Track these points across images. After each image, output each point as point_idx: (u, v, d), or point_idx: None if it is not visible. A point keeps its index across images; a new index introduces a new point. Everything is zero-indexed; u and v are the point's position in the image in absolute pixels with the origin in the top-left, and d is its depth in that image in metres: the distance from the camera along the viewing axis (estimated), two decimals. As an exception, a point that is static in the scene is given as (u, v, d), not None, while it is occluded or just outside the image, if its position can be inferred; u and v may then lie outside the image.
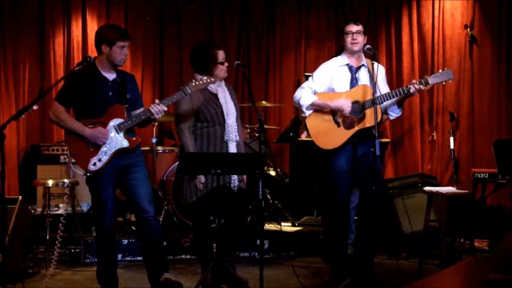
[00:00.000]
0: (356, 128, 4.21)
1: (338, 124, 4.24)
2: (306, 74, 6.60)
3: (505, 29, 6.11)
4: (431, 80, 4.14)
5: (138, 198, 4.13)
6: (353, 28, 4.26)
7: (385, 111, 4.36)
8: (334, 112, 4.26)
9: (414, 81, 4.16)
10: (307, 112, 4.33)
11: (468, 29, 6.25)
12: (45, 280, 4.55)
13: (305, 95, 4.32)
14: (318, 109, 4.30)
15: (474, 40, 6.24)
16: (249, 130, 6.57)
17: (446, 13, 6.45)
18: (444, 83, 4.21)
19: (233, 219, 4.55)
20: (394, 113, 4.36)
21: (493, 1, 6.16)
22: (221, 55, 4.43)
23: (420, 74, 6.39)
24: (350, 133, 4.22)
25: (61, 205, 5.89)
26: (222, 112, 4.41)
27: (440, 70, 4.19)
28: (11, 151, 6.40)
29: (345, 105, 4.18)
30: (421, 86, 4.11)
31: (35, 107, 3.96)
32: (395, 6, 6.91)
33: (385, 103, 4.26)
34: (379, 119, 4.19)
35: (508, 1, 6.09)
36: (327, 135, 4.26)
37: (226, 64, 4.45)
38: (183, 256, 5.50)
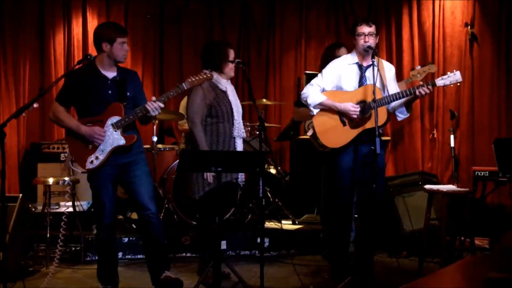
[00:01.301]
0: (362, 128, 4.20)
1: (344, 123, 4.24)
2: (307, 72, 6.60)
3: (505, 27, 6.10)
4: (439, 82, 4.11)
5: (139, 196, 4.14)
6: (366, 29, 4.23)
7: (393, 112, 4.33)
8: (341, 112, 4.25)
9: (421, 83, 4.14)
10: (314, 111, 4.33)
11: (469, 27, 6.25)
12: (46, 278, 4.55)
13: (313, 93, 4.31)
14: (325, 109, 4.30)
15: (475, 38, 6.24)
16: (249, 128, 6.57)
17: (447, 11, 6.45)
18: (452, 85, 4.16)
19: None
20: (402, 115, 4.33)
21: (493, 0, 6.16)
22: (232, 54, 4.55)
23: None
24: (355, 132, 4.21)
25: (61, 203, 5.89)
26: (231, 108, 4.53)
27: (448, 73, 4.15)
28: (12, 149, 6.40)
29: (352, 111, 4.18)
30: (429, 88, 4.08)
31: (35, 105, 3.96)
32: (395, 4, 6.90)
33: (393, 104, 4.24)
34: (385, 119, 4.20)
35: (508, -1, 6.10)
36: (333, 133, 4.26)
37: (234, 63, 4.54)
38: (183, 254, 5.50)
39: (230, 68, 4.55)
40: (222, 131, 4.49)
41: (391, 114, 4.40)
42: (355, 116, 4.18)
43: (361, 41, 4.25)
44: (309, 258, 5.41)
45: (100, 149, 4.06)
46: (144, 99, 4.28)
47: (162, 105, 4.06)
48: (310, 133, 4.44)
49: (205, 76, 4.18)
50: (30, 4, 6.77)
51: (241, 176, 4.58)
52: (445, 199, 4.90)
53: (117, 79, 4.15)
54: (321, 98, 4.29)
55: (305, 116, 4.97)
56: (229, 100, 4.53)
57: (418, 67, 4.13)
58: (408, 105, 4.27)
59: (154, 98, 4.06)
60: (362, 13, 6.99)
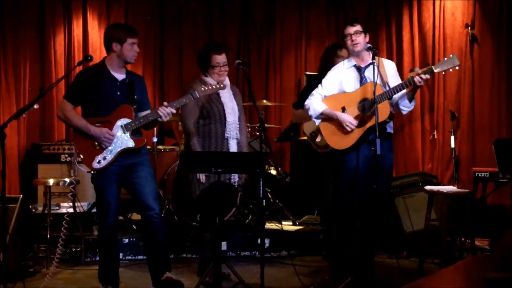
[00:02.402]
0: (367, 125, 4.19)
1: None
2: (307, 73, 6.60)
3: (505, 28, 6.10)
4: (436, 68, 4.09)
5: (143, 196, 4.16)
6: (350, 30, 4.27)
7: (396, 106, 4.32)
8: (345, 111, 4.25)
9: (419, 71, 4.11)
10: (317, 121, 4.35)
11: (469, 28, 6.25)
12: (46, 279, 4.56)
13: (314, 104, 4.34)
14: (326, 118, 4.31)
15: (475, 39, 6.24)
16: (249, 129, 6.57)
17: (447, 12, 6.45)
18: (451, 69, 4.12)
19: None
20: (406, 107, 4.30)
21: (494, 1, 6.16)
22: (215, 59, 4.55)
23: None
24: (361, 131, 4.21)
25: (62, 204, 5.89)
26: (223, 110, 4.54)
27: (445, 58, 4.13)
28: (12, 150, 6.39)
29: (348, 122, 4.18)
30: (427, 76, 4.05)
31: (35, 106, 3.98)
32: (396, 5, 6.90)
33: (395, 98, 4.23)
34: (387, 114, 4.19)
35: (508, 0, 6.09)
36: (340, 135, 4.27)
37: (223, 68, 4.54)
38: (184, 255, 5.51)
39: (214, 73, 4.54)
40: (214, 132, 4.53)
41: (397, 112, 4.38)
42: (349, 129, 4.19)
43: (348, 42, 4.30)
44: (309, 258, 5.41)
45: (108, 150, 4.06)
46: (148, 104, 4.32)
47: (174, 111, 4.11)
48: (318, 139, 4.47)
49: (217, 86, 4.24)
50: (30, 3, 6.77)
51: (234, 177, 4.60)
52: (445, 200, 4.90)
53: (126, 81, 4.17)
54: (321, 107, 4.30)
55: (304, 118, 4.97)
56: (221, 101, 4.56)
57: (417, 69, 4.13)
58: (410, 96, 4.23)
59: (166, 104, 4.09)
60: (362, 13, 6.99)
